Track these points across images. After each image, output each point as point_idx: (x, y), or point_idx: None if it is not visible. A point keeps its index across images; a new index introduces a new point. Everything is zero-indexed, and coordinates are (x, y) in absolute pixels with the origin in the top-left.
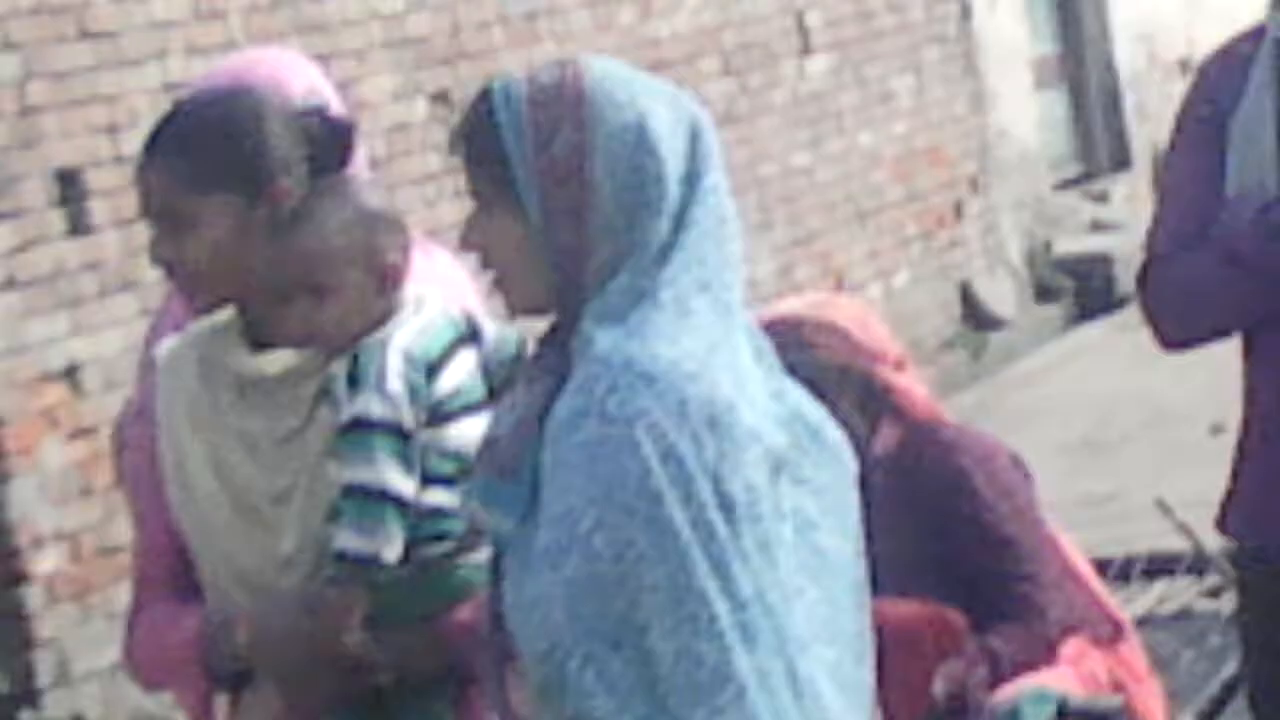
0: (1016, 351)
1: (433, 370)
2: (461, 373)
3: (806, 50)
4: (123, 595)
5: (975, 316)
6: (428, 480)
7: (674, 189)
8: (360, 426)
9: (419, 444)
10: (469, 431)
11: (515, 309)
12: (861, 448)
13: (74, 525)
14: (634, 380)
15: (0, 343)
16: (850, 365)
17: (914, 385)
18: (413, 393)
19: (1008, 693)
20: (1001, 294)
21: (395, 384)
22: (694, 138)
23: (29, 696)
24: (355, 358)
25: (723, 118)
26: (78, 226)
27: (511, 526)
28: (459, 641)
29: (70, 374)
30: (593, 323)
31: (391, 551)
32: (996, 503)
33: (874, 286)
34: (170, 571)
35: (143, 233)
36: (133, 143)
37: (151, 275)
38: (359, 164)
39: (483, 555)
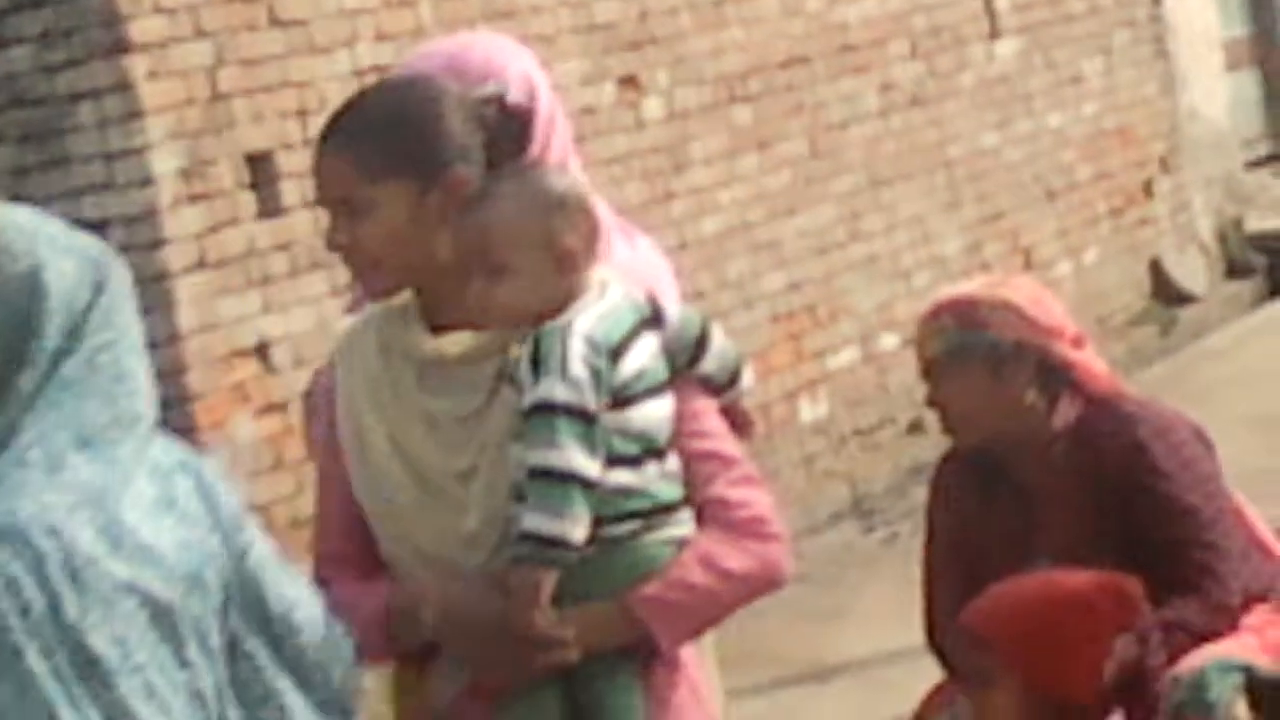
0: (1206, 327)
1: (615, 354)
2: (644, 356)
3: (995, 33)
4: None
5: (1165, 293)
6: (612, 461)
7: (50, 343)
8: (545, 410)
9: (602, 426)
10: (652, 413)
11: None
12: (1039, 421)
13: (265, 498)
14: None
15: (193, 320)
16: (1026, 341)
17: (1092, 361)
18: (595, 376)
19: (1192, 662)
20: (1192, 271)
21: (578, 368)
22: (96, 293)
23: None
24: (538, 341)
25: (911, 100)
26: (268, 208)
27: None
28: (644, 615)
29: (261, 351)
30: None
31: (579, 532)
32: (1176, 473)
33: (1063, 264)
34: (352, 547)
35: None
36: (321, 127)
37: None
38: (561, 146)
39: (666, 533)
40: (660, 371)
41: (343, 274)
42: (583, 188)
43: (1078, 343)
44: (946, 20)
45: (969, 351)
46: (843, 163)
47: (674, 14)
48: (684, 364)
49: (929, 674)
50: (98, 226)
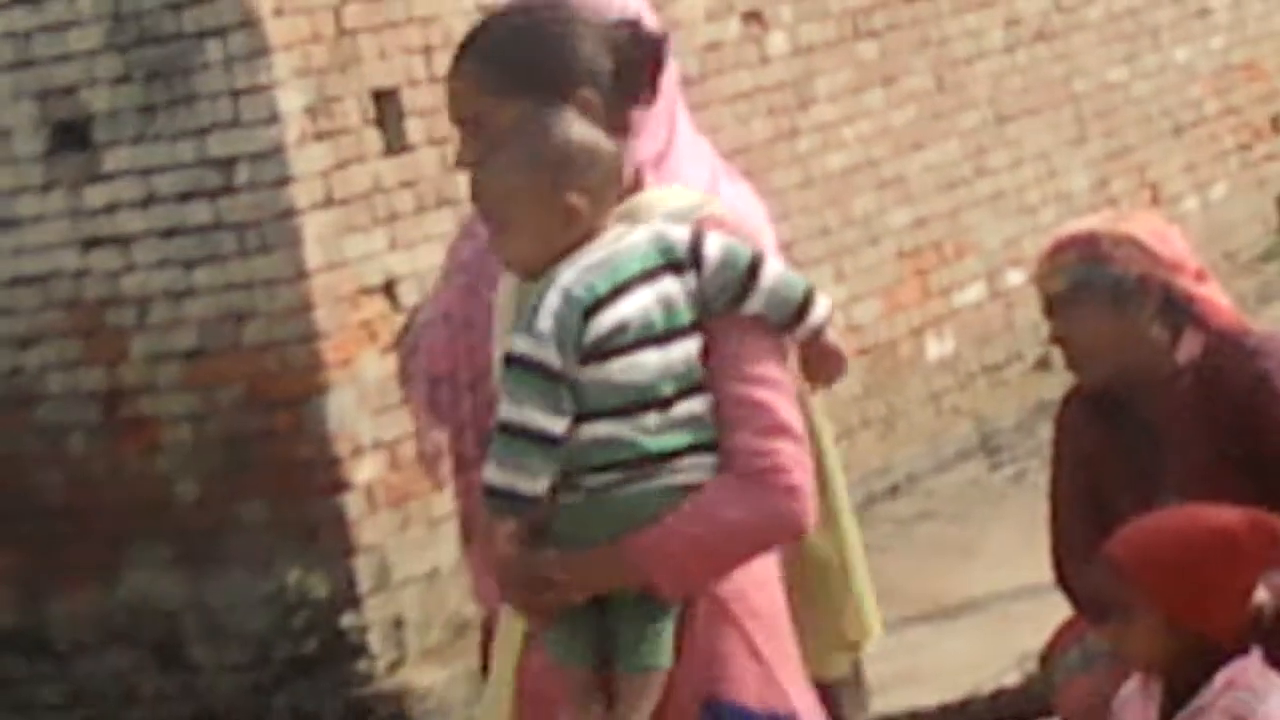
0: None
1: (595, 307)
2: (636, 306)
3: None
4: (441, 502)
5: None
6: (592, 414)
7: None
8: (511, 363)
9: (575, 381)
10: (643, 364)
11: None
12: (1163, 356)
13: (392, 435)
14: None
15: (320, 258)
16: (1149, 275)
17: (1216, 295)
18: (564, 333)
19: None
20: None
21: (545, 324)
22: None
23: (350, 601)
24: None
25: (1037, 34)
26: (394, 145)
27: None
28: (639, 561)
29: (388, 288)
30: None
31: (532, 486)
32: None
33: (1190, 199)
34: None
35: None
36: (447, 63)
37: (467, 192)
38: (669, 81)
39: (659, 481)
40: (673, 317)
41: (469, 211)
42: (594, 137)
43: (1200, 277)
44: None
45: (1092, 286)
46: (968, 98)
47: None
48: (724, 305)
49: (1057, 610)
50: (224, 164)
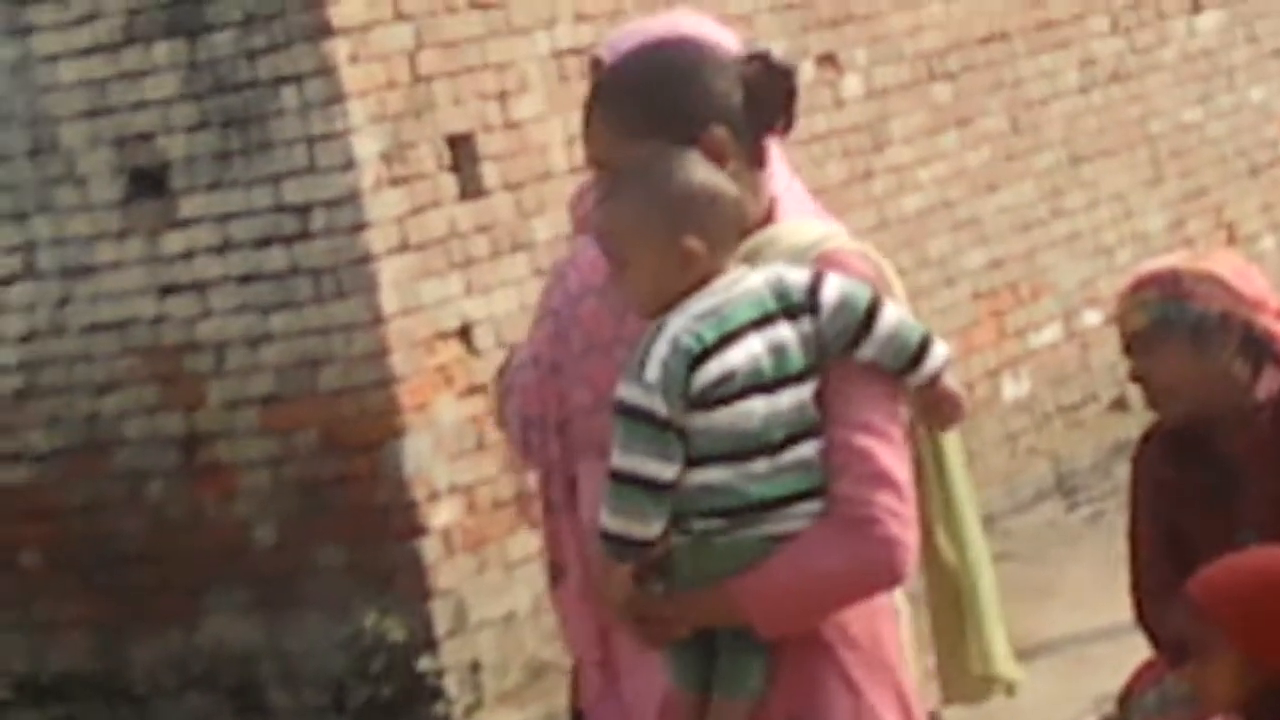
0: None
1: (704, 356)
2: (744, 355)
3: (1196, 7)
4: (518, 546)
5: None
6: (701, 460)
7: None
8: (620, 412)
9: (684, 427)
10: (750, 412)
11: None
12: (1244, 393)
13: (469, 479)
14: None
15: (396, 303)
16: (1230, 313)
17: None
18: (670, 380)
19: None
20: None
21: (653, 372)
22: None
23: (428, 644)
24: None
25: (1111, 75)
26: (470, 190)
27: None
28: (739, 604)
29: (464, 333)
30: None
31: (644, 531)
32: None
33: (1267, 238)
34: None
35: (533, 195)
36: (522, 108)
37: (542, 236)
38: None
39: (761, 530)
40: (784, 365)
41: (545, 255)
42: (716, 181)
43: None
44: None
45: (1173, 323)
46: (1043, 139)
47: None
48: (839, 350)
49: (1137, 651)
50: (301, 210)
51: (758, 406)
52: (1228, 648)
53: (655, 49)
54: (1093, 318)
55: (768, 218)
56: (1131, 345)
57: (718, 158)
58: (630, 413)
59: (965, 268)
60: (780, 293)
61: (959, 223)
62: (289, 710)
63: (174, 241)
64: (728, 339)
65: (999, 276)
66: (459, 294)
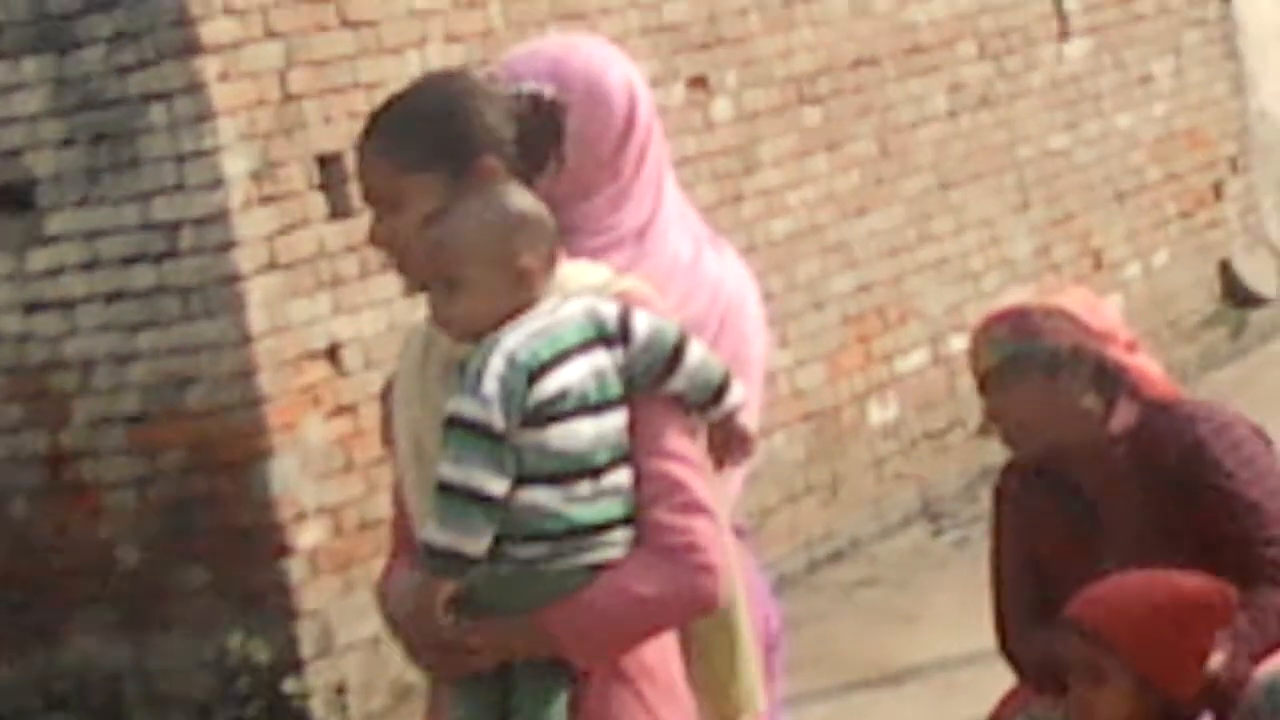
0: (1277, 329)
1: (539, 373)
2: (578, 374)
3: (1064, 34)
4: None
5: (1235, 295)
6: (527, 479)
7: None
8: (454, 424)
9: (515, 444)
10: (579, 431)
11: None
12: (1098, 426)
13: (335, 500)
14: None
15: (264, 322)
16: (1081, 346)
17: (1148, 365)
18: (509, 396)
19: (1273, 667)
20: (1262, 273)
21: (490, 386)
22: None
23: (293, 665)
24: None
25: (980, 100)
26: (339, 209)
27: None
28: (554, 633)
29: (332, 353)
30: None
31: (475, 547)
32: (1238, 469)
33: (1133, 265)
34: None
35: None
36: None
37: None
38: (656, 160)
39: (581, 559)
40: (605, 389)
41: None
42: (541, 208)
43: (1131, 348)
44: (1015, 21)
45: (1024, 360)
46: (912, 164)
47: (743, 15)
48: (649, 381)
49: (1003, 677)
50: (169, 228)
51: (586, 427)
52: (1120, 671)
53: (427, 83)
54: (959, 343)
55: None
56: (985, 384)
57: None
58: (466, 426)
59: (834, 291)
60: (596, 322)
61: (828, 247)
62: None
63: (40, 258)
64: (559, 359)
65: (867, 300)
66: (327, 314)
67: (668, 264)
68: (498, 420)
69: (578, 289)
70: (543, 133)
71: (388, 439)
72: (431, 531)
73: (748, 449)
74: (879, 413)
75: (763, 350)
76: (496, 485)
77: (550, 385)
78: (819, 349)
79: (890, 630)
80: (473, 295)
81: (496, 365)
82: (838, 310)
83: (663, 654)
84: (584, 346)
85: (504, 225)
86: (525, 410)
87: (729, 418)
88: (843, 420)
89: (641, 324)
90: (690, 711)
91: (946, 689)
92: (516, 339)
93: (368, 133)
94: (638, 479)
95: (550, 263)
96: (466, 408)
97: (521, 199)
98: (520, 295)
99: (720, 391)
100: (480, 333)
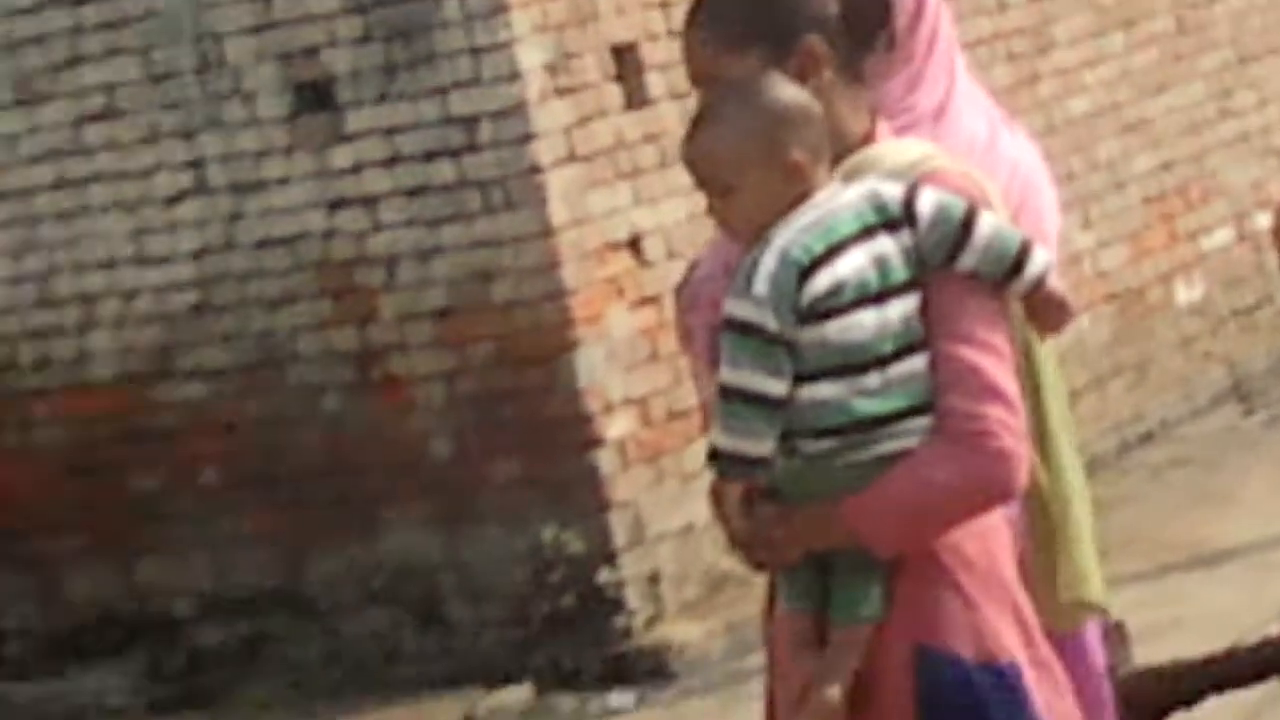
0: None
1: (811, 268)
2: (851, 266)
3: None
4: (694, 457)
5: None
6: (811, 375)
7: None
8: (730, 327)
9: (793, 341)
10: (860, 323)
11: None
12: None
13: (643, 390)
14: None
15: (565, 214)
16: None
17: None
18: (780, 295)
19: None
20: None
21: (762, 287)
22: None
23: (606, 557)
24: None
25: None
26: (635, 100)
27: None
28: (852, 522)
29: (633, 244)
30: None
31: (758, 448)
32: None
33: None
34: None
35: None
36: (684, 16)
37: None
38: (947, 31)
39: (871, 451)
40: (888, 276)
41: None
42: (805, 97)
43: None
44: None
45: None
46: (1209, 39)
47: None
48: (940, 260)
49: None
50: (467, 122)
51: (867, 318)
52: None
53: None
54: (1265, 219)
55: (868, 137)
56: None
57: (814, 66)
58: (739, 328)
59: (1135, 171)
60: (878, 206)
61: (1127, 125)
62: (470, 623)
63: (342, 155)
64: (834, 251)
65: (1169, 179)
66: (628, 205)
67: (965, 144)
68: (771, 321)
69: (883, 170)
70: (869, 11)
71: (683, 336)
72: (716, 435)
73: (1066, 315)
74: (1185, 292)
75: (1055, 231)
76: (775, 386)
77: (823, 280)
78: (1122, 229)
79: (1202, 512)
80: (746, 198)
81: (768, 264)
82: (1139, 189)
83: (984, 544)
84: (863, 234)
85: (766, 124)
86: (799, 307)
87: (1038, 286)
88: (1148, 301)
89: (926, 203)
90: (1016, 599)
91: (1263, 569)
92: (788, 235)
93: (691, 12)
94: (933, 364)
95: (822, 151)
96: (740, 309)
97: (782, 91)
98: (794, 189)
99: (1020, 262)
100: (760, 232)
